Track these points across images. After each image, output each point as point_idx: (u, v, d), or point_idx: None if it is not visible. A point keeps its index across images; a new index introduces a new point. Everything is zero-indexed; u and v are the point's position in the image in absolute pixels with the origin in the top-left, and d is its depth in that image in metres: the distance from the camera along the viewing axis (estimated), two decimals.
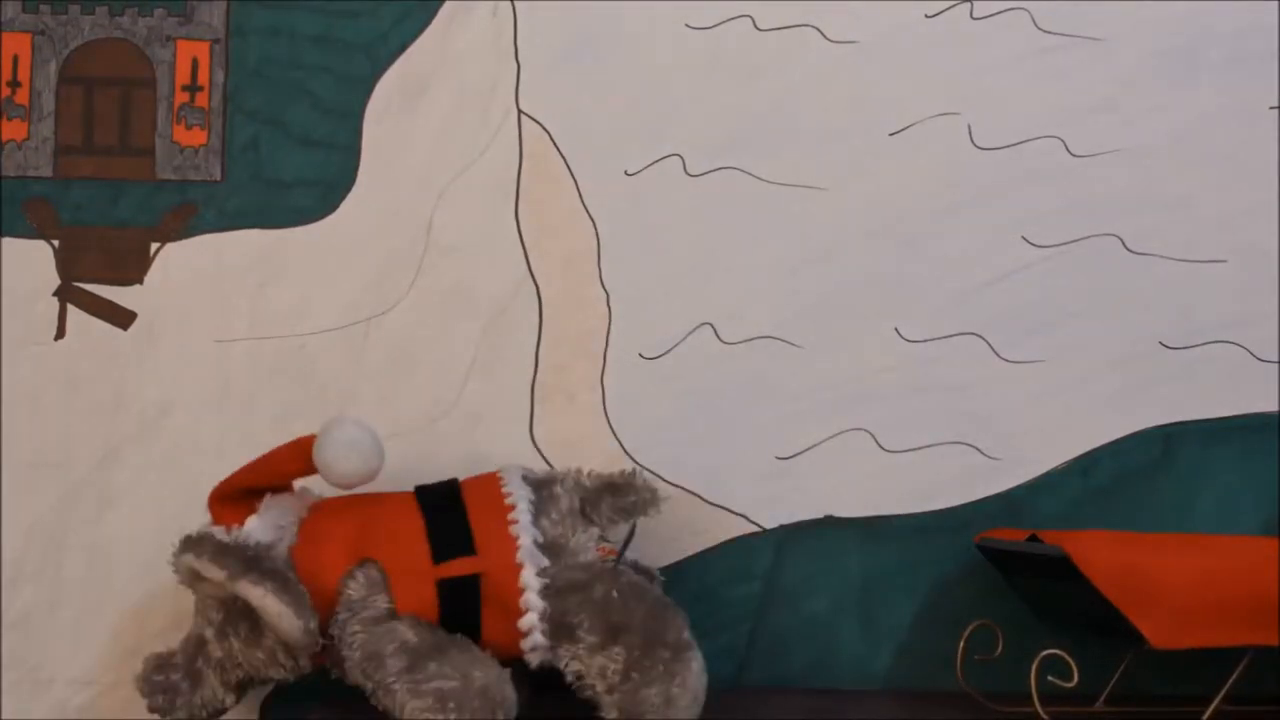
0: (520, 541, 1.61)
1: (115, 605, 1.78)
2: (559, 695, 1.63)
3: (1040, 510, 1.83)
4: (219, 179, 1.80)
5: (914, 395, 1.84)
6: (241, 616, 1.62)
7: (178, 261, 1.80)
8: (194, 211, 1.80)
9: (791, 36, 1.85)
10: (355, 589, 1.62)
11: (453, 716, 1.54)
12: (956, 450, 1.84)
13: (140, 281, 1.80)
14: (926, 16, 1.85)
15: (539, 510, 1.64)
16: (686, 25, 1.84)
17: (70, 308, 1.79)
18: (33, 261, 1.79)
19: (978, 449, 1.84)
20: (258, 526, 1.62)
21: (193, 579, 1.62)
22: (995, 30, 1.85)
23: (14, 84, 1.78)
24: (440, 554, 1.61)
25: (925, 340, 1.85)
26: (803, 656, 1.82)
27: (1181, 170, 1.86)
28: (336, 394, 1.80)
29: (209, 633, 1.64)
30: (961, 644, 1.72)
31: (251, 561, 1.58)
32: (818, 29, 1.85)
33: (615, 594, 1.61)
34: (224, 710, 1.67)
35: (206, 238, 1.81)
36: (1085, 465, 1.85)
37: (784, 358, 1.84)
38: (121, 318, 1.79)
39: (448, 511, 1.64)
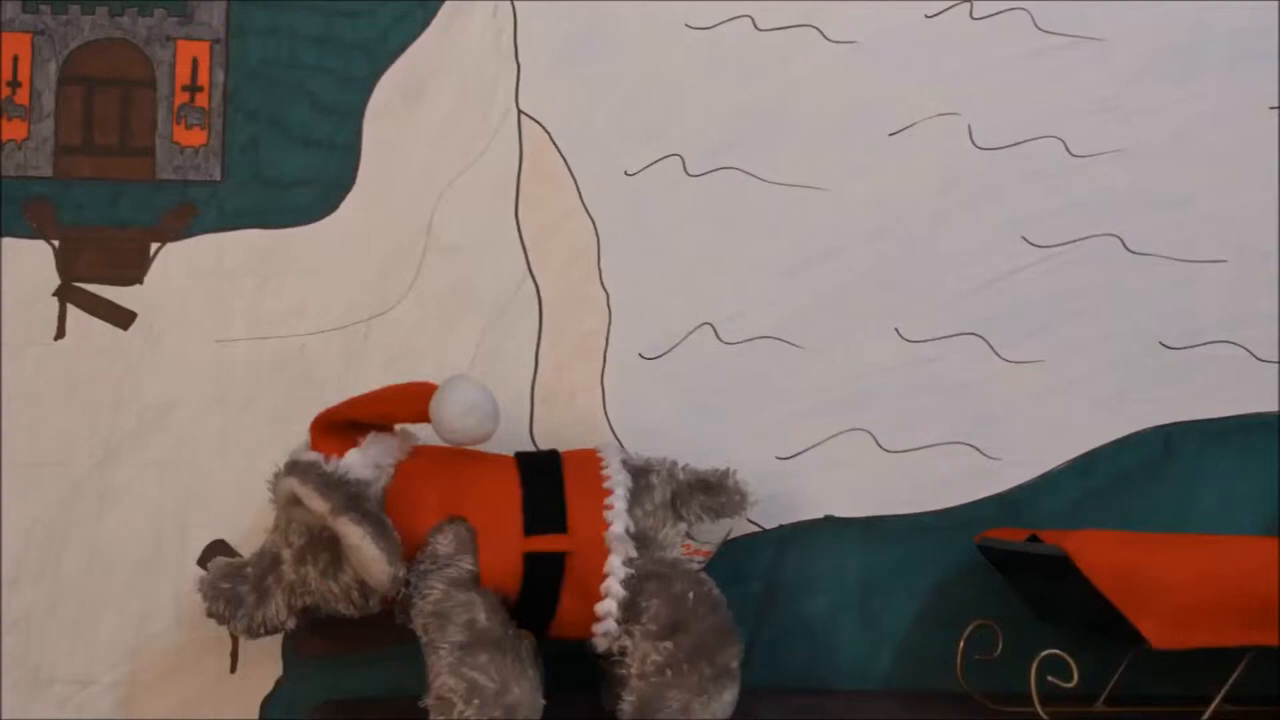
0: (613, 528, 1.61)
1: (115, 605, 1.78)
2: (568, 695, 1.64)
3: (1040, 510, 1.83)
4: (219, 179, 1.80)
5: (914, 395, 1.84)
6: (324, 547, 1.61)
7: (178, 261, 1.80)
8: (194, 211, 1.80)
9: (791, 36, 1.85)
10: (443, 544, 1.61)
11: (470, 713, 1.54)
12: (956, 450, 1.84)
13: (140, 281, 1.79)
14: (926, 16, 1.85)
15: (634, 499, 1.64)
16: (686, 25, 1.84)
17: (70, 308, 1.78)
18: (33, 261, 1.78)
19: (978, 449, 1.85)
20: (358, 462, 1.61)
21: (289, 503, 1.61)
22: (995, 30, 1.85)
23: (14, 84, 1.78)
24: (532, 526, 1.61)
25: (925, 340, 1.85)
26: (803, 656, 1.82)
27: (1181, 170, 1.86)
28: (336, 394, 1.79)
29: (286, 554, 1.64)
30: (961, 644, 1.72)
31: (354, 500, 1.56)
32: (818, 29, 1.85)
33: (691, 596, 1.61)
34: (280, 631, 1.66)
35: (206, 238, 1.80)
36: (1085, 465, 1.85)
37: (784, 358, 1.84)
38: (121, 318, 1.79)
39: (545, 484, 1.63)
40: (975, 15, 1.85)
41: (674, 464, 1.68)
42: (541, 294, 1.83)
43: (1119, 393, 1.85)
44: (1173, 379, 1.86)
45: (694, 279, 1.84)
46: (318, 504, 1.56)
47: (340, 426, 1.64)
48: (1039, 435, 1.85)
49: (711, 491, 1.66)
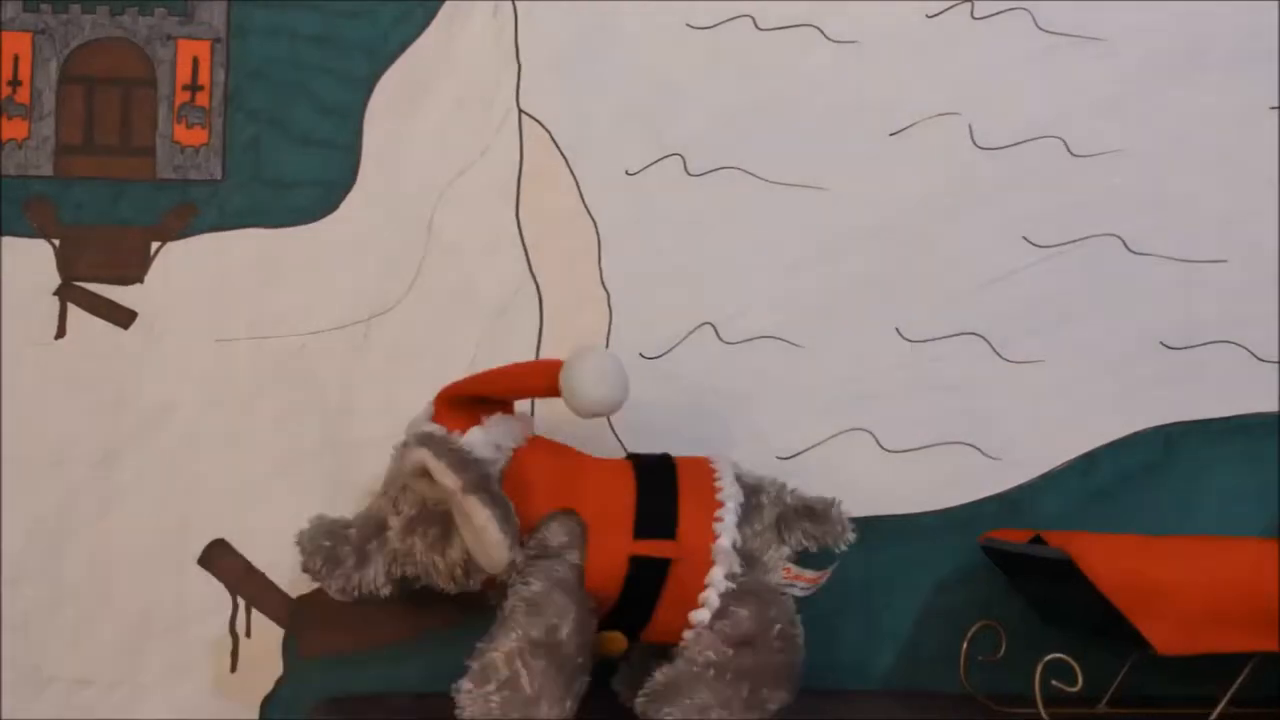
0: (720, 541, 1.61)
1: (115, 605, 1.77)
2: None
3: (1041, 510, 1.83)
4: (219, 178, 1.80)
5: (914, 395, 1.84)
6: (435, 521, 1.60)
7: (178, 261, 1.79)
8: (194, 211, 1.80)
9: (791, 36, 1.85)
10: (554, 535, 1.61)
11: (495, 700, 1.53)
12: (957, 450, 1.84)
13: (140, 281, 1.79)
14: (927, 16, 1.85)
15: (744, 516, 1.63)
16: (687, 25, 1.84)
17: (70, 307, 1.78)
18: (33, 261, 1.78)
19: (978, 449, 1.85)
20: (480, 440, 1.60)
21: (416, 474, 1.59)
22: (995, 30, 1.85)
23: (14, 83, 1.78)
24: (642, 530, 1.61)
25: (925, 340, 1.85)
26: None
27: (1181, 170, 1.86)
28: (336, 394, 1.79)
29: (394, 523, 1.62)
30: (964, 645, 1.71)
31: (484, 480, 1.55)
32: (818, 29, 1.85)
33: (778, 628, 1.60)
34: (375, 597, 1.64)
35: (207, 237, 1.80)
36: (1085, 465, 1.85)
37: (784, 358, 1.84)
38: (122, 317, 1.79)
39: (659, 490, 1.63)
40: (976, 15, 1.85)
41: (783, 486, 1.68)
42: (541, 294, 1.83)
43: (1119, 393, 1.85)
44: (1173, 379, 1.86)
45: (694, 279, 1.84)
46: (449, 480, 1.54)
47: (464, 401, 1.63)
48: (1039, 435, 1.85)
49: (816, 519, 1.66)
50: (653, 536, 1.60)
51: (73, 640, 1.77)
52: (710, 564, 1.60)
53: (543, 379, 1.60)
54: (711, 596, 1.60)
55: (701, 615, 1.60)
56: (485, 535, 1.53)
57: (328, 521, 1.65)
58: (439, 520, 1.60)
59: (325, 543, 1.63)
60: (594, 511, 1.61)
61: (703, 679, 1.57)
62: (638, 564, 1.60)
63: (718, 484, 1.64)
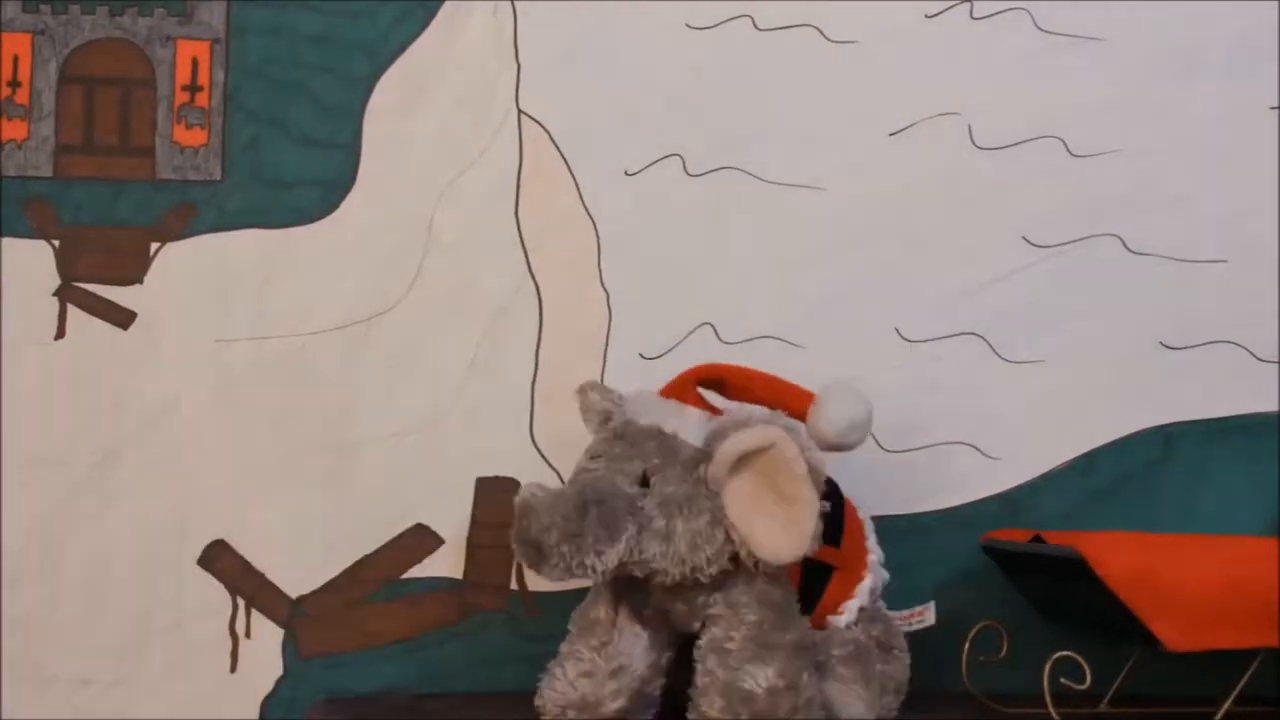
0: (872, 557, 1.66)
1: (115, 605, 1.77)
2: None
3: (1041, 510, 1.83)
4: (219, 179, 1.80)
5: (914, 395, 1.84)
6: (703, 508, 1.52)
7: (178, 261, 1.80)
8: (194, 211, 1.80)
9: (791, 36, 1.85)
10: None
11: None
12: (956, 450, 1.84)
13: (140, 281, 1.79)
14: (926, 16, 1.85)
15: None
16: (686, 25, 1.84)
17: (70, 307, 1.78)
18: (33, 261, 1.78)
19: (978, 449, 1.84)
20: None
21: (747, 453, 1.52)
22: (995, 30, 1.85)
23: (14, 84, 1.78)
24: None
25: (925, 340, 1.85)
26: None
27: (1181, 170, 1.86)
28: (336, 394, 1.79)
29: (650, 505, 1.52)
30: (967, 645, 1.71)
31: (822, 482, 1.54)
32: (818, 29, 1.85)
33: (898, 651, 1.65)
34: (594, 579, 1.52)
35: (206, 238, 1.80)
36: (1085, 465, 1.85)
37: (784, 358, 1.83)
38: (121, 317, 1.79)
39: (832, 499, 1.61)
40: (975, 15, 1.85)
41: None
42: (541, 294, 1.83)
43: (1119, 393, 1.85)
44: (1173, 379, 1.86)
45: (694, 279, 1.84)
46: (800, 468, 1.51)
47: (711, 387, 1.64)
48: (1039, 435, 1.85)
49: None
50: (823, 542, 1.58)
51: (73, 640, 1.77)
52: (861, 577, 1.63)
53: (794, 401, 1.61)
54: (853, 606, 1.62)
55: (840, 621, 1.62)
56: (802, 533, 1.51)
57: (552, 493, 1.50)
58: (708, 508, 1.53)
59: (570, 527, 1.48)
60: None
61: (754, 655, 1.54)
62: (808, 566, 1.60)
63: (860, 516, 1.68)
